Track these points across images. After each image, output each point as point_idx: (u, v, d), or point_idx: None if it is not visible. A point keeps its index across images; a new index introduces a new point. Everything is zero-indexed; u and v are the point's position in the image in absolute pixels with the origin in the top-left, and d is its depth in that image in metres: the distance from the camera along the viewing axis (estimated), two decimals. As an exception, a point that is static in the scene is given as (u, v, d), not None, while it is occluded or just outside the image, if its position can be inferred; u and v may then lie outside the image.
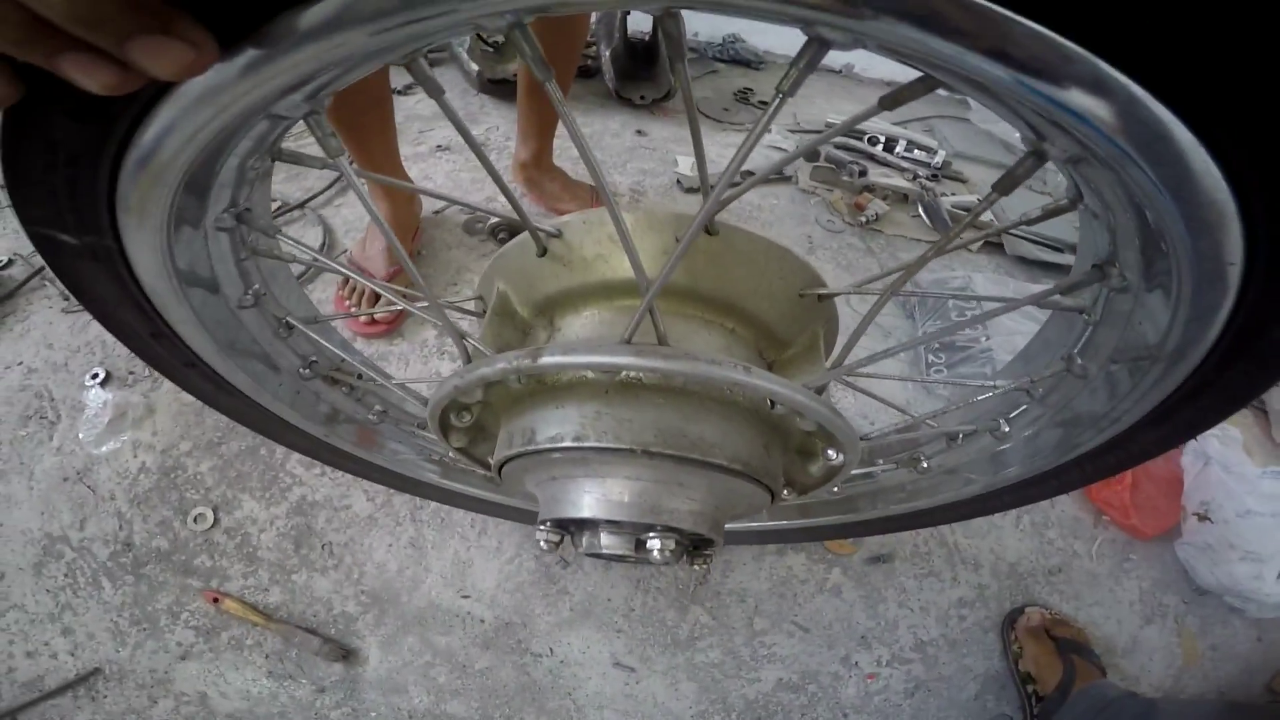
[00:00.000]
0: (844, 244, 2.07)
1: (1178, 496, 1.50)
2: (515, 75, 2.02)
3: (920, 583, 1.34)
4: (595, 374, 0.56)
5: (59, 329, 1.59)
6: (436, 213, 1.95)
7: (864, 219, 2.13)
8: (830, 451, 0.60)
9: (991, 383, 0.73)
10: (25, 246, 1.77)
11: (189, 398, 1.46)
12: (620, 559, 0.63)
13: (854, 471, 0.99)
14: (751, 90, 2.67)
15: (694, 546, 0.63)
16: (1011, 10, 0.28)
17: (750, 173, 1.89)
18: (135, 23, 0.26)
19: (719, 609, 1.27)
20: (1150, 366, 0.51)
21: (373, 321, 1.62)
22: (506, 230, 1.86)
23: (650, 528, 0.57)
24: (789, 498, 0.69)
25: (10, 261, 1.73)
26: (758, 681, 1.21)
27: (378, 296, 1.63)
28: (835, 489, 1.01)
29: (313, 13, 0.31)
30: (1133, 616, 1.36)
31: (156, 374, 1.51)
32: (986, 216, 2.20)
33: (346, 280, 1.67)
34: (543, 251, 0.62)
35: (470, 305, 0.74)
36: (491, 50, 2.21)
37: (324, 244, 1.85)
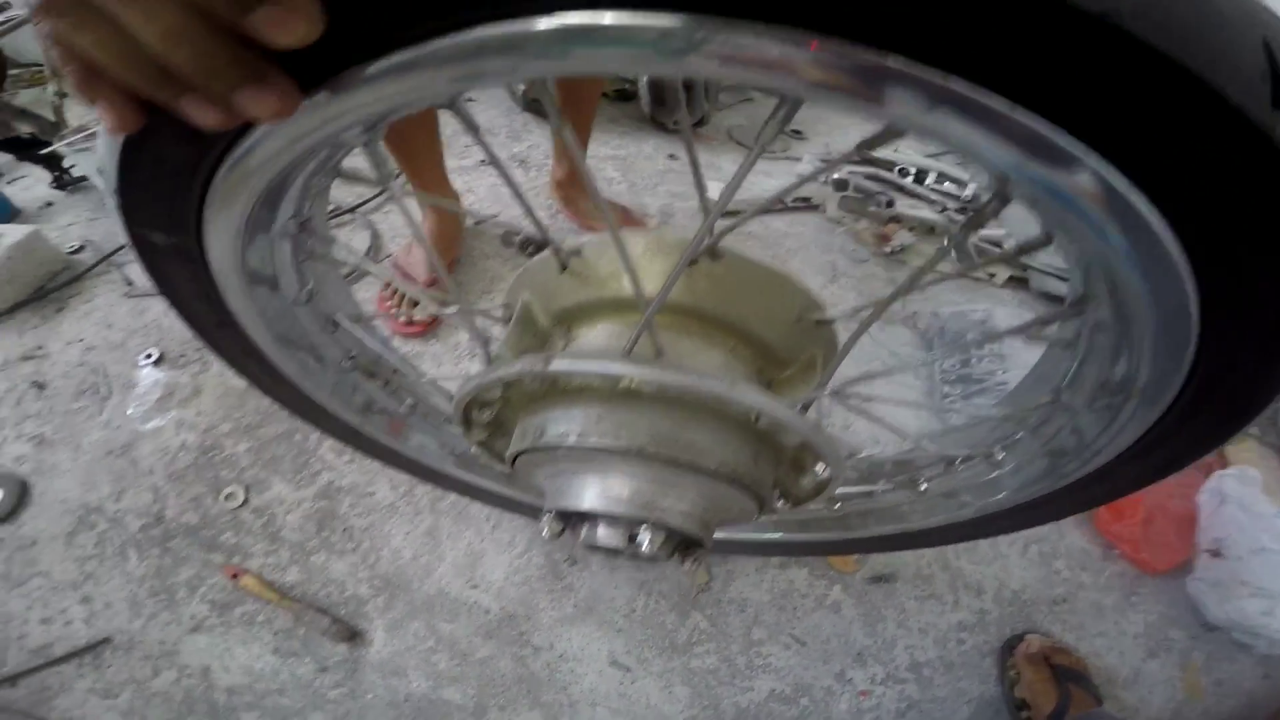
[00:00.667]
0: (867, 274, 2.03)
1: (1190, 533, 1.43)
2: (554, 97, 2.04)
3: (921, 604, 1.29)
4: (600, 381, 0.59)
5: (120, 311, 1.64)
6: (477, 224, 1.97)
7: (889, 250, 2.09)
8: (819, 466, 0.64)
9: (989, 415, 0.76)
10: (96, 234, 1.83)
11: (234, 381, 1.52)
12: (613, 552, 0.66)
13: (853, 490, 0.97)
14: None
15: (684, 546, 0.66)
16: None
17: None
18: (240, 76, 0.31)
19: (719, 616, 1.24)
20: (1124, 404, 0.52)
21: (410, 323, 1.64)
22: (535, 246, 1.87)
23: (642, 522, 0.61)
24: (783, 508, 0.72)
25: (81, 248, 1.79)
26: (750, 691, 1.17)
27: (416, 300, 1.65)
28: (837, 505, 0.99)
29: (376, 65, 0.36)
30: (1136, 649, 1.29)
31: (206, 357, 1.57)
32: (1011, 245, 2.14)
33: (389, 283, 1.69)
34: (564, 268, 0.65)
35: (498, 313, 0.77)
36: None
37: (371, 247, 1.88)
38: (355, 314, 0.83)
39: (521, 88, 2.31)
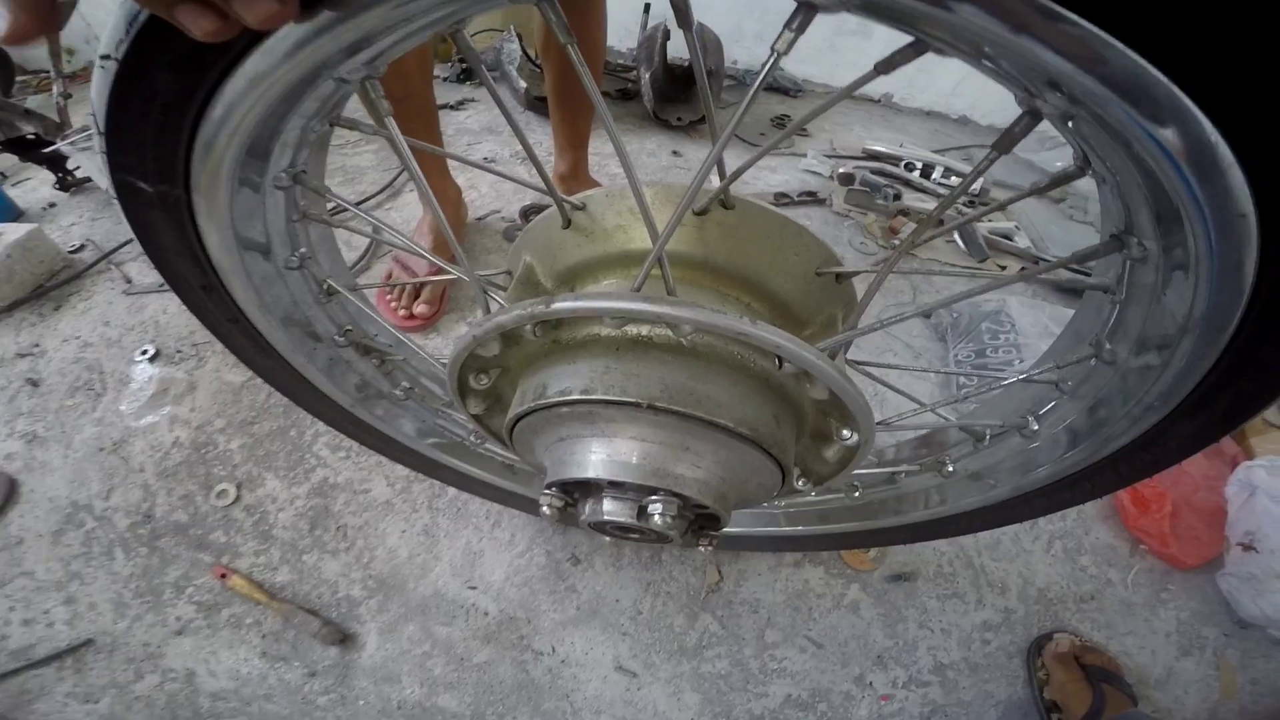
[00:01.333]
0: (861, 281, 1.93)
1: (1220, 526, 1.31)
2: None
3: (943, 604, 1.18)
4: (607, 331, 0.53)
5: (118, 309, 1.56)
6: (480, 219, 1.89)
7: (897, 243, 1.99)
8: (844, 431, 0.56)
9: (1017, 376, 0.67)
10: (97, 234, 1.76)
11: (230, 376, 1.43)
12: (622, 529, 0.60)
13: (875, 471, 0.88)
14: (789, 116, 2.55)
15: (699, 523, 0.60)
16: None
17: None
18: None
19: (730, 618, 1.13)
20: (1180, 342, 0.46)
21: (410, 316, 1.55)
22: (536, 212, 1.80)
23: (654, 492, 0.54)
24: (805, 488, 0.64)
25: (82, 246, 1.72)
26: (765, 697, 1.06)
27: (416, 294, 1.56)
28: (857, 493, 0.88)
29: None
30: (1169, 647, 1.18)
31: (202, 353, 1.48)
32: (1024, 244, 2.04)
33: (389, 274, 1.60)
34: (567, 223, 0.60)
35: (500, 280, 0.70)
36: (539, 69, 2.15)
37: (371, 245, 1.79)
38: (350, 283, 0.76)
39: (523, 85, 2.22)
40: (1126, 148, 0.36)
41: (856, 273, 0.59)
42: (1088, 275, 0.57)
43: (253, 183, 0.56)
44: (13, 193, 1.87)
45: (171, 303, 1.56)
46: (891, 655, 1.12)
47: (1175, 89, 0.29)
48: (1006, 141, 0.40)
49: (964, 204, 2.18)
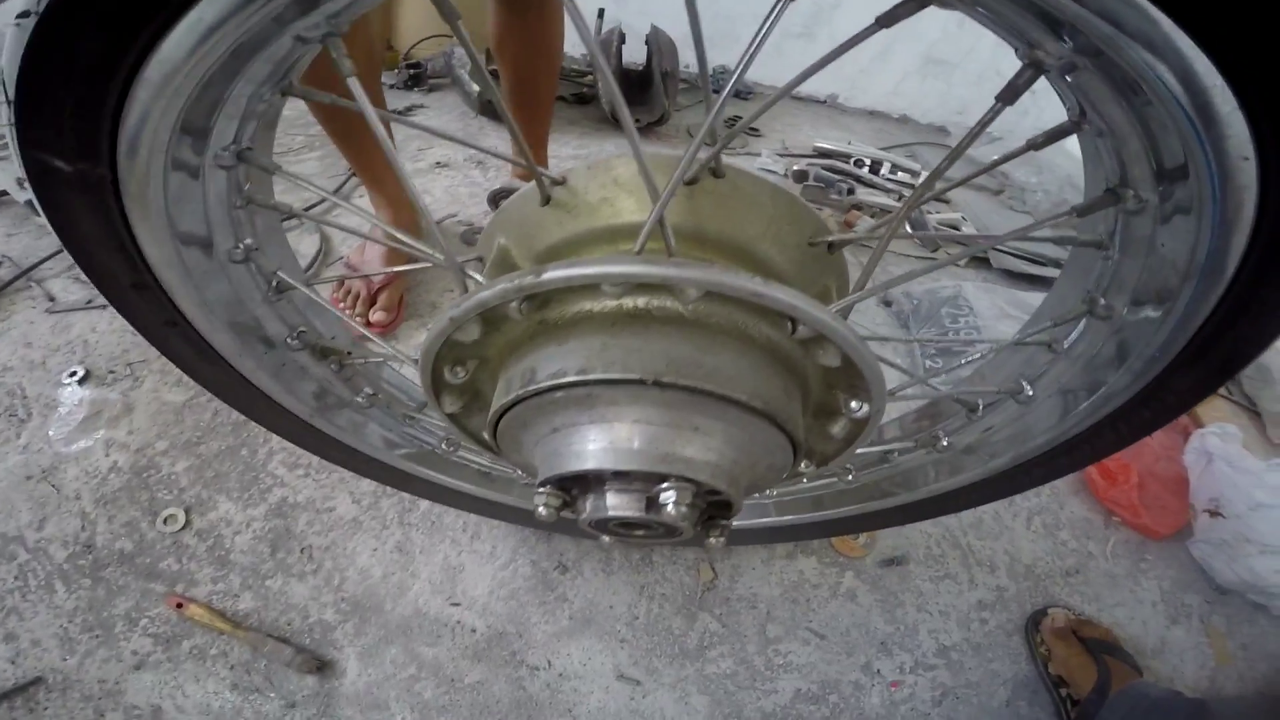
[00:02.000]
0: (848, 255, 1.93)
1: (1185, 495, 1.34)
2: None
3: (937, 585, 1.16)
4: (600, 306, 0.47)
5: (40, 329, 1.41)
6: (438, 223, 1.79)
7: (852, 236, 1.99)
8: (854, 403, 0.51)
9: (1012, 340, 0.65)
10: (13, 250, 1.60)
11: (169, 395, 1.30)
12: (629, 525, 0.54)
13: (869, 451, 0.84)
14: (740, 118, 2.55)
15: (710, 512, 0.53)
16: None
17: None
18: None
19: (729, 616, 1.08)
20: (1181, 290, 0.45)
21: (367, 324, 1.45)
22: (506, 195, 1.72)
23: (663, 479, 0.47)
24: (807, 469, 0.60)
25: None
26: (774, 693, 1.01)
27: (372, 301, 1.47)
28: (851, 476, 0.84)
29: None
30: (1157, 617, 1.18)
31: (137, 373, 1.35)
32: (971, 233, 2.07)
33: (342, 283, 1.50)
34: (546, 200, 0.55)
35: (473, 268, 0.62)
36: (493, 74, 2.09)
37: (320, 252, 1.68)
38: (302, 278, 0.68)
39: (476, 89, 2.15)
40: (1130, 98, 0.37)
41: (849, 240, 0.56)
42: (1043, 264, 0.56)
43: (191, 161, 0.49)
44: (-83, 210, 1.68)
45: (100, 320, 1.43)
46: (895, 641, 1.08)
47: (1181, 32, 0.30)
48: (1010, 93, 0.39)
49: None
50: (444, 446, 0.90)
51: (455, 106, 2.36)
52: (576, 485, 0.52)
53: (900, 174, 2.24)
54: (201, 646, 0.97)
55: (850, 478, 0.87)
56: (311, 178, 1.94)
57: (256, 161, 0.55)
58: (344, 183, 1.92)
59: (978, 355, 0.77)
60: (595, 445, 0.48)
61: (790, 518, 0.93)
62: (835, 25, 2.64)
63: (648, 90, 2.23)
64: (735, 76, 0.40)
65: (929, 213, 2.12)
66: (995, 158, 0.56)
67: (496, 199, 1.78)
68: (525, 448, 0.54)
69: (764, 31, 0.39)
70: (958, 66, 2.63)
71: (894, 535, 1.20)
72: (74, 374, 1.32)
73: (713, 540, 0.53)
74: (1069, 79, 0.40)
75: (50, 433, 1.23)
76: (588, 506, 0.52)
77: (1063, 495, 1.35)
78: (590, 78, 2.34)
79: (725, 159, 0.54)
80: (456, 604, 1.04)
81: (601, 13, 2.41)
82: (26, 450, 1.20)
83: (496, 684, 0.97)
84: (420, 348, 0.51)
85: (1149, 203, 0.45)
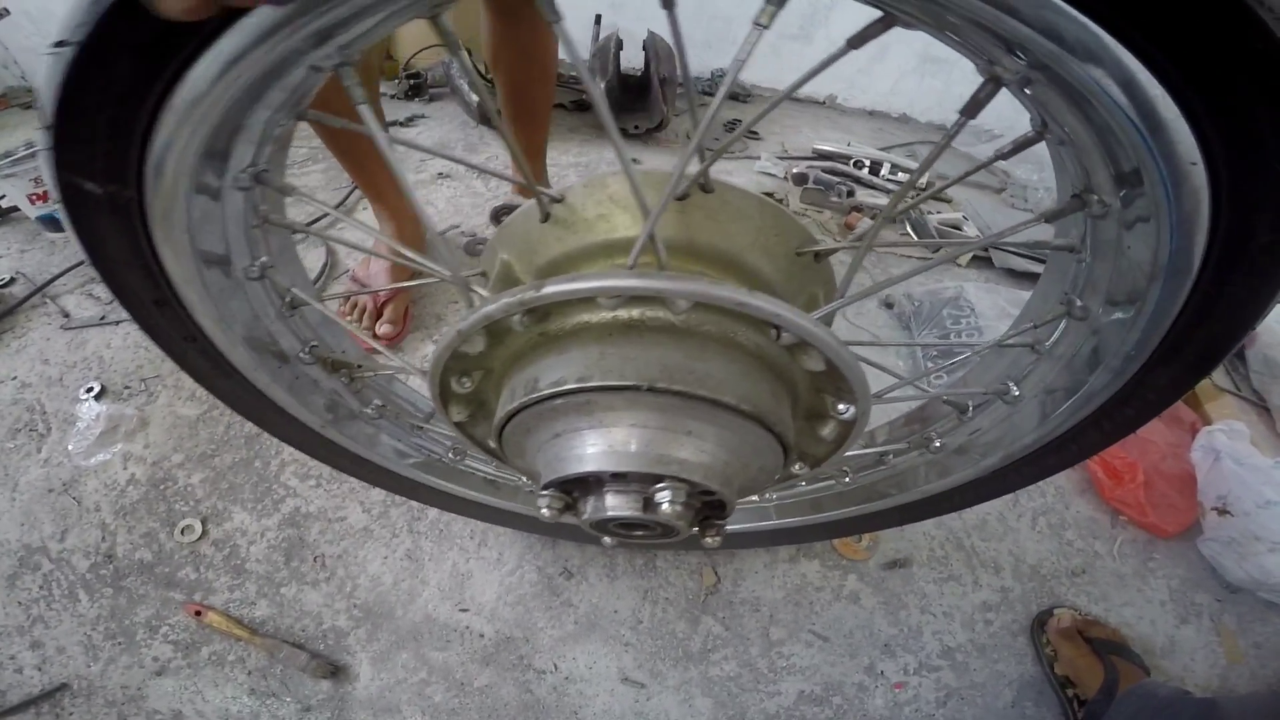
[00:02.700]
0: (835, 260, 1.92)
1: (1192, 493, 1.34)
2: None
3: (940, 587, 1.17)
4: (598, 318, 0.50)
5: (56, 345, 1.46)
6: (441, 234, 1.83)
7: (854, 237, 2.01)
8: (840, 405, 0.54)
9: (993, 342, 0.67)
10: (27, 266, 1.65)
11: (184, 410, 1.34)
12: (628, 526, 0.57)
13: (864, 453, 0.86)
14: (739, 121, 2.57)
15: (705, 513, 0.56)
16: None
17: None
18: None
19: (732, 619, 1.10)
20: (1148, 291, 0.47)
21: (374, 337, 1.48)
22: (508, 212, 1.75)
23: (658, 479, 0.51)
24: (801, 472, 0.64)
25: (12, 280, 1.61)
26: (778, 695, 1.03)
27: (378, 314, 1.50)
28: (847, 478, 0.86)
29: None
30: (1166, 616, 1.19)
31: (152, 388, 1.39)
32: (972, 232, 2.08)
33: (348, 299, 1.53)
34: (545, 217, 0.57)
35: (476, 283, 0.65)
36: (490, 83, 2.12)
37: (326, 265, 1.72)
38: (314, 295, 0.71)
39: (475, 99, 2.18)
40: (1084, 108, 0.39)
41: (835, 249, 0.58)
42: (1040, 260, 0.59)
43: (211, 184, 0.52)
44: (-68, 228, 1.74)
45: (114, 336, 1.47)
46: (898, 642, 1.10)
47: (1118, 44, 0.32)
48: (972, 107, 0.41)
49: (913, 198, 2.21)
50: (451, 455, 0.93)
51: (455, 116, 2.39)
52: (578, 488, 0.55)
53: (900, 174, 2.25)
54: (220, 653, 1.01)
55: (847, 480, 0.89)
56: (315, 191, 1.99)
57: (273, 183, 0.57)
58: (346, 196, 1.96)
59: (969, 356, 0.79)
60: (594, 449, 0.51)
61: (791, 520, 0.95)
62: (831, 26, 2.66)
63: (646, 96, 2.25)
64: (721, 94, 0.43)
65: (930, 213, 2.13)
66: (966, 169, 0.59)
67: (498, 215, 1.81)
68: (529, 453, 0.57)
69: (750, 49, 0.40)
70: (956, 64, 2.63)
71: (897, 538, 1.22)
72: (90, 390, 1.36)
73: (709, 540, 0.56)
74: (1028, 91, 0.41)
75: (69, 447, 1.27)
76: (588, 508, 0.55)
77: (1068, 495, 1.36)
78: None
79: (722, 165, 0.57)
80: (465, 610, 1.07)
81: (598, 19, 2.42)
82: (47, 464, 1.24)
83: (505, 687, 0.99)
84: (428, 360, 0.55)
85: (1112, 207, 0.46)
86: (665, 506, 0.50)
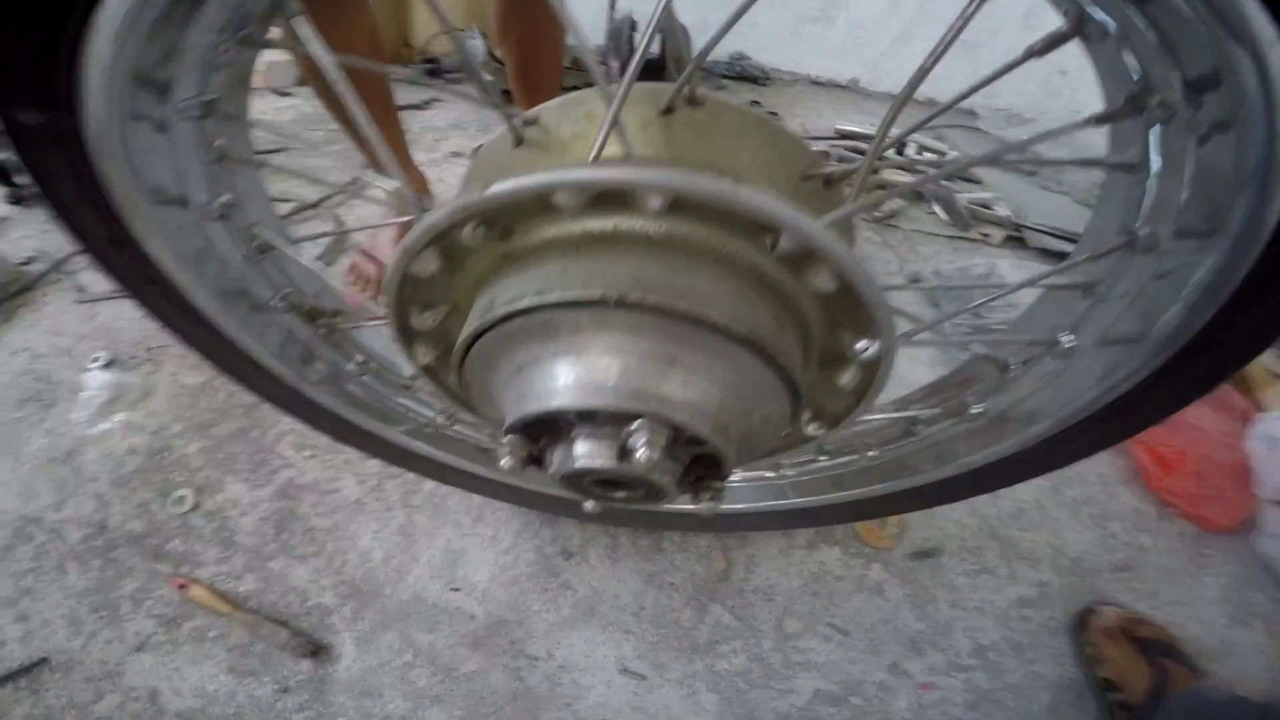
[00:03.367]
0: (860, 239, 1.81)
1: (1247, 484, 1.19)
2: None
3: (973, 580, 1.04)
4: (564, 231, 0.41)
5: (70, 318, 1.39)
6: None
7: (879, 215, 1.87)
8: (860, 342, 0.43)
9: (1038, 279, 0.56)
10: (49, 244, 1.59)
11: (188, 379, 1.26)
12: (606, 484, 0.48)
13: (890, 417, 0.75)
14: (759, 103, 2.44)
15: (698, 471, 0.46)
16: None
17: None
18: None
19: (743, 608, 0.98)
20: (1234, 206, 0.37)
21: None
22: None
23: (634, 417, 0.40)
24: (817, 432, 0.53)
25: (33, 258, 1.56)
26: (791, 693, 0.91)
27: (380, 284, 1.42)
28: (873, 451, 0.74)
29: None
30: (1218, 616, 1.04)
31: (158, 357, 1.32)
32: (1004, 213, 1.93)
33: (353, 267, 1.45)
34: (518, 142, 0.49)
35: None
36: (501, 65, 2.04)
37: (333, 239, 1.65)
38: (285, 236, 0.64)
39: (489, 78, 2.10)
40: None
41: (849, 172, 0.48)
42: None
43: (152, 113, 0.48)
44: (-40, 210, 1.69)
45: (126, 309, 1.41)
46: (926, 639, 0.97)
47: None
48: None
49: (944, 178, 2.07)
50: (440, 418, 0.83)
51: (470, 98, 2.31)
52: (545, 434, 0.46)
53: (926, 154, 2.11)
54: (201, 628, 0.92)
55: (873, 454, 0.77)
56: (327, 171, 1.91)
57: (223, 112, 0.52)
58: (350, 183, 1.88)
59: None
60: (559, 382, 0.42)
61: (809, 499, 0.83)
62: (853, 9, 2.51)
63: (660, 78, 2.15)
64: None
65: (960, 193, 1.98)
66: (996, 150, 0.47)
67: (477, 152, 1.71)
68: (493, 394, 0.48)
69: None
70: (983, 47, 2.45)
71: (926, 525, 1.09)
72: (97, 359, 1.30)
73: (702, 504, 0.45)
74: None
75: (73, 416, 1.21)
76: (555, 458, 0.45)
77: (1112, 484, 1.21)
78: (602, 67, 2.26)
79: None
80: (456, 589, 0.96)
81: (613, 2, 2.33)
82: (51, 434, 1.17)
83: (494, 674, 0.89)
84: (384, 284, 0.47)
85: (1177, 108, 0.39)
86: (640, 453, 0.39)
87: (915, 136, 2.17)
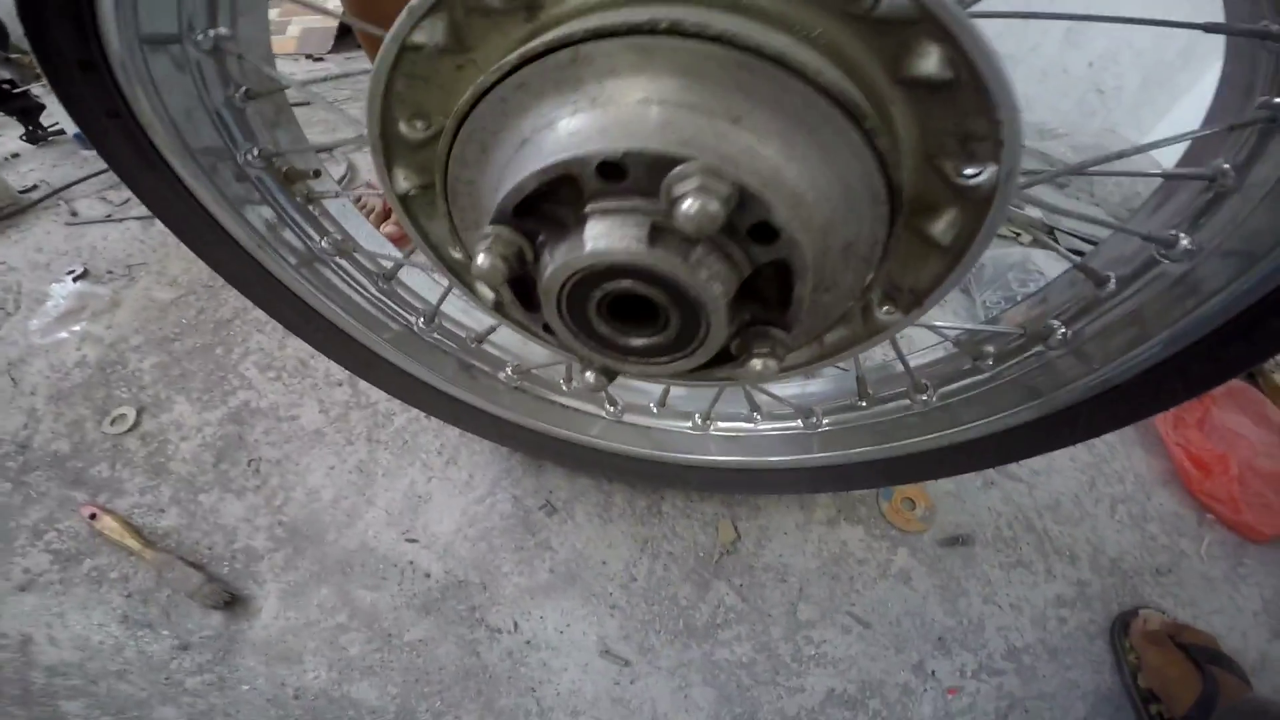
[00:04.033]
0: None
1: (1292, 495, 0.94)
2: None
3: (1008, 574, 0.79)
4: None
5: (55, 238, 1.17)
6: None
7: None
8: (970, 167, 0.26)
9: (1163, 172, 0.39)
10: (54, 177, 1.36)
11: (160, 293, 1.01)
12: (615, 303, 0.27)
13: (967, 328, 0.51)
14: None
15: (755, 315, 0.26)
16: None
17: None
18: None
19: (751, 588, 0.73)
20: None
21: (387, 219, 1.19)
22: None
23: (679, 162, 0.22)
24: (890, 317, 0.34)
25: (35, 187, 1.34)
26: (801, 692, 0.65)
27: (386, 214, 1.21)
28: (925, 394, 0.54)
29: None
30: (1259, 629, 0.80)
31: (135, 273, 1.08)
32: (1036, 213, 1.68)
33: (359, 200, 1.22)
34: None
35: None
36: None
37: (345, 177, 1.41)
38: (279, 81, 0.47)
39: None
40: None
41: None
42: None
43: None
44: (-22, 146, 1.46)
45: (114, 230, 1.17)
46: (955, 637, 0.72)
47: None
48: None
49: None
50: (421, 323, 0.59)
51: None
52: (544, 228, 0.27)
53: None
54: (102, 568, 0.67)
55: (926, 397, 0.52)
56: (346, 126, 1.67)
57: None
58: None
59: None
60: (578, 134, 0.25)
61: (839, 454, 0.58)
62: None
63: None
64: None
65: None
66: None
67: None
68: (489, 179, 0.29)
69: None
70: (1021, 62, 2.22)
71: (956, 510, 0.84)
72: (71, 272, 1.07)
73: (758, 364, 0.24)
74: None
75: (31, 324, 0.97)
76: (557, 254, 0.26)
77: (1149, 484, 0.97)
78: None
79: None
80: (413, 540, 0.71)
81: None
82: (2, 342, 0.93)
83: (443, 645, 0.63)
84: (370, 77, 0.30)
85: None
86: (689, 203, 0.21)
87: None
